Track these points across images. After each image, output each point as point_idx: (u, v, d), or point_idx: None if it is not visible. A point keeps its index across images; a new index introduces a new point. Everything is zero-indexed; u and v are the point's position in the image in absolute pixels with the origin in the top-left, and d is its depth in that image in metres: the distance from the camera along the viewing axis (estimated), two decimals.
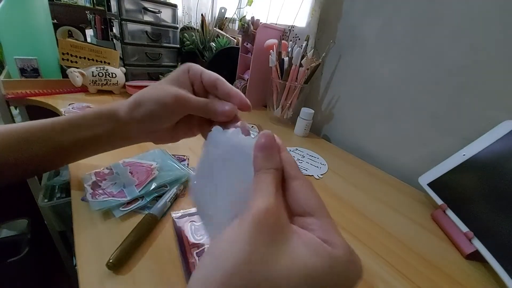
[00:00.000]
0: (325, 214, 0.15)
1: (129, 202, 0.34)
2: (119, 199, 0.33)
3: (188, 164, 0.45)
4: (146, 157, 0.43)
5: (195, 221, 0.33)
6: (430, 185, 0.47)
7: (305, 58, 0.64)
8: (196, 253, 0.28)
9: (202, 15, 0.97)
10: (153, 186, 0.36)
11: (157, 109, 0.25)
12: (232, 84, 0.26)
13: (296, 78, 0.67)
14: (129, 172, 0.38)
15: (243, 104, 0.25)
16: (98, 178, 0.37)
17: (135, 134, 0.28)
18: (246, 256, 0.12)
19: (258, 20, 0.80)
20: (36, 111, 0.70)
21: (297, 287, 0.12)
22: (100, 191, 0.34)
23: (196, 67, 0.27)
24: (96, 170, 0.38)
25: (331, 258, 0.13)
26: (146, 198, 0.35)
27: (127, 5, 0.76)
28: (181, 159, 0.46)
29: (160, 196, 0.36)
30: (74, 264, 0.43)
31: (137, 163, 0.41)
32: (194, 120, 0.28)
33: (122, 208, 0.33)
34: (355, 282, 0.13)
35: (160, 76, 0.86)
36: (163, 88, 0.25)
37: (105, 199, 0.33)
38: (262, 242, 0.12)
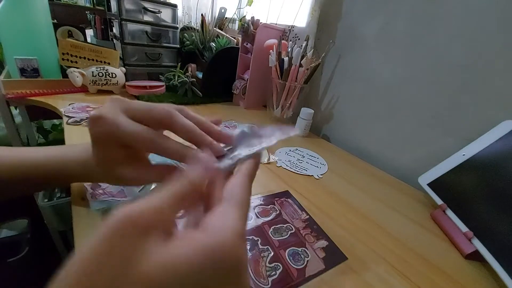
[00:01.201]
0: (234, 203, 0.16)
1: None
2: (119, 199, 0.33)
3: None
4: None
5: None
6: (430, 185, 0.47)
7: (305, 58, 0.64)
8: None
9: (202, 15, 0.97)
10: (153, 186, 0.36)
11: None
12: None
13: (296, 78, 0.67)
14: None
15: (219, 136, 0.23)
16: None
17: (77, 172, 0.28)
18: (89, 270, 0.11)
19: (258, 20, 0.79)
20: (36, 111, 0.70)
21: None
22: (100, 191, 0.34)
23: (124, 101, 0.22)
24: None
25: (204, 252, 0.13)
26: None
27: (127, 5, 0.76)
28: None
29: None
30: None
31: None
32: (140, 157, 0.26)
33: None
34: (237, 271, 0.13)
35: (160, 76, 0.86)
36: None
37: (105, 199, 0.33)
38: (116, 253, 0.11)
